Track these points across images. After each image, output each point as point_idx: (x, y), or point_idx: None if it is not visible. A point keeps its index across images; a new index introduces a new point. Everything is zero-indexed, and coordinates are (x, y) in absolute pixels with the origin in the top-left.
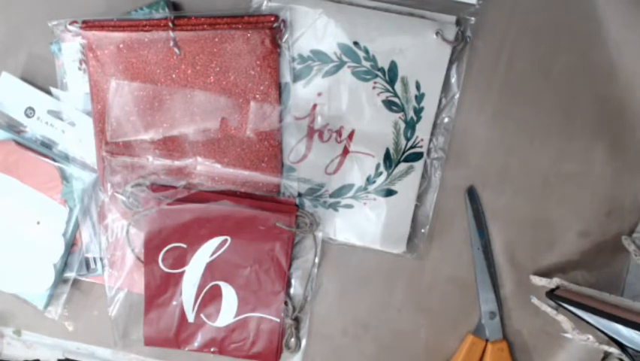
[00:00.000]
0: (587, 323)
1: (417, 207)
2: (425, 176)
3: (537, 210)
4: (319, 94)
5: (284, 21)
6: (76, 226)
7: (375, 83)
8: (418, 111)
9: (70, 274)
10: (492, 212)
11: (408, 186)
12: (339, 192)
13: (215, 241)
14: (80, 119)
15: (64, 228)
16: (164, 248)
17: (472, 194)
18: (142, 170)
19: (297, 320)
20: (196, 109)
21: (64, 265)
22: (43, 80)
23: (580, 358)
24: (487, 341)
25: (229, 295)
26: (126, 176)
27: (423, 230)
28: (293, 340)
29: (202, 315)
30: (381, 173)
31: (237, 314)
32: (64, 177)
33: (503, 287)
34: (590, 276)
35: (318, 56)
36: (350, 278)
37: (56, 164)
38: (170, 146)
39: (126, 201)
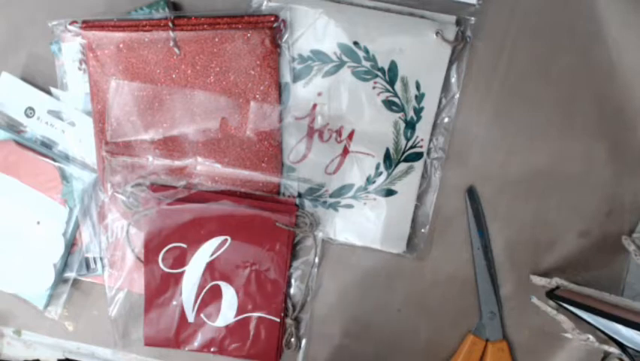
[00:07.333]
0: (587, 323)
1: (417, 207)
2: (425, 176)
3: (537, 210)
4: (319, 94)
5: (284, 21)
6: (77, 226)
7: (375, 83)
8: (418, 111)
9: (70, 274)
10: (492, 212)
11: (408, 186)
12: (339, 192)
13: (215, 241)
14: (80, 119)
15: (64, 228)
16: (164, 248)
17: (472, 194)
18: (142, 170)
19: (297, 320)
20: (196, 109)
21: (64, 265)
22: (43, 80)
23: (580, 358)
24: (487, 340)
25: (229, 295)
26: (126, 176)
27: (423, 230)
28: (293, 340)
29: (202, 315)
30: (381, 173)
31: (237, 314)
32: (64, 177)
33: (503, 287)
34: (590, 276)
35: (318, 55)
36: (350, 278)
37: (56, 164)
38: (170, 146)
39: (126, 201)
